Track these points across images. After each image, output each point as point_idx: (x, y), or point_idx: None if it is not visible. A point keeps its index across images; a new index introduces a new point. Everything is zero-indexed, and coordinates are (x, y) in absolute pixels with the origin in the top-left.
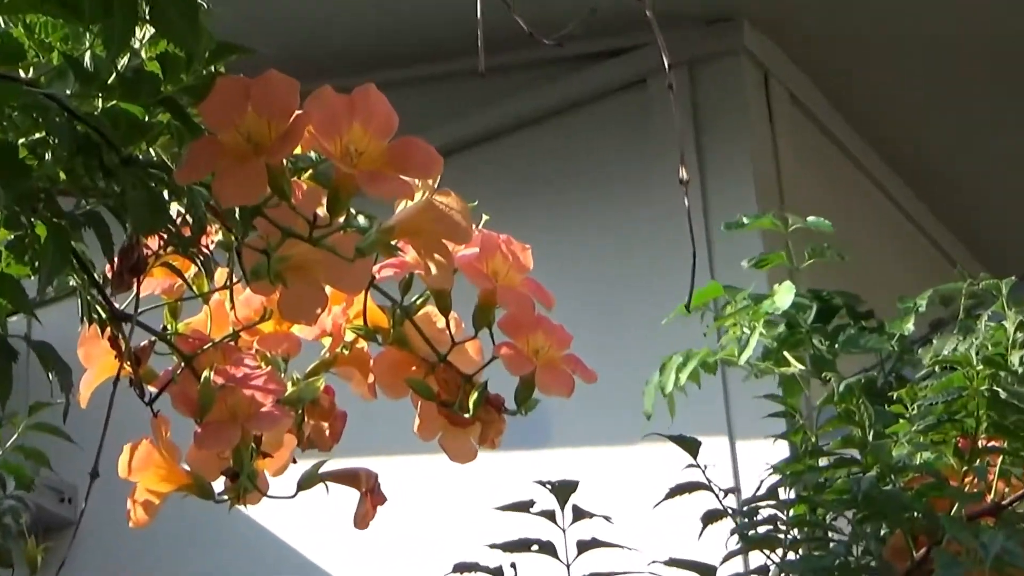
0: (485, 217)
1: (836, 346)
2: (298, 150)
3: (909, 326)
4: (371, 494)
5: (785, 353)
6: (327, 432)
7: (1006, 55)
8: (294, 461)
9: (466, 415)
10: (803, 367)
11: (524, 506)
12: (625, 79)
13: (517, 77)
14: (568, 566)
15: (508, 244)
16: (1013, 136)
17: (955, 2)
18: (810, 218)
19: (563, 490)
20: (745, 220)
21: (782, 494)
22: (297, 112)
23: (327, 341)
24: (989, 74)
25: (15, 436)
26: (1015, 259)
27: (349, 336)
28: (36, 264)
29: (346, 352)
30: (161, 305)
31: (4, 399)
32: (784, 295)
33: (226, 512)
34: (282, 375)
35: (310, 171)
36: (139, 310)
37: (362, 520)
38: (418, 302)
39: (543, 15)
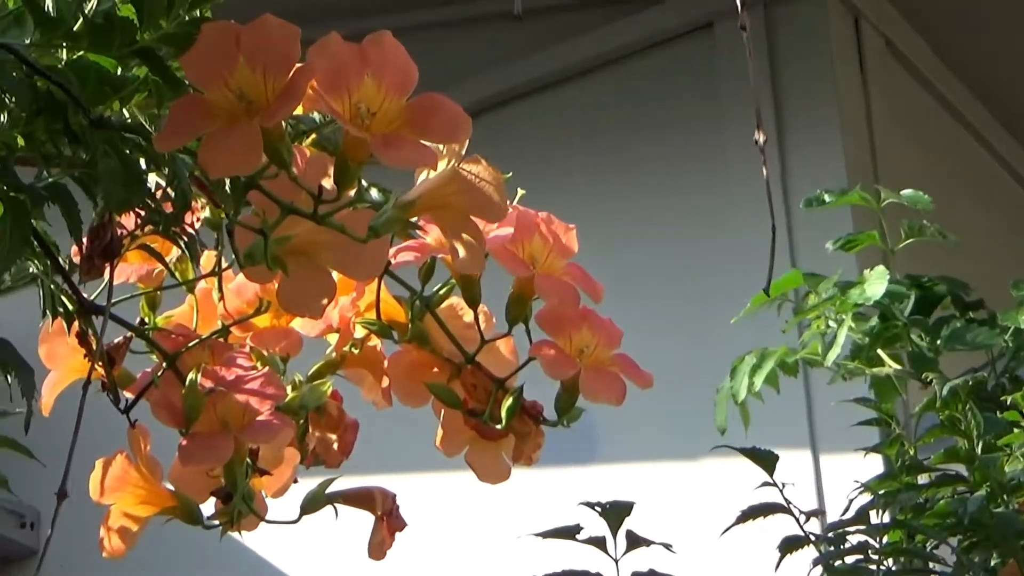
0: (521, 191)
1: (939, 342)
2: (300, 110)
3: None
4: (388, 518)
5: (879, 351)
6: (335, 445)
7: None
8: (295, 481)
9: (498, 426)
10: (900, 367)
11: (570, 532)
12: (688, 22)
13: (563, 20)
14: None
15: (548, 223)
16: None
17: None
18: (906, 191)
19: (615, 513)
20: (827, 197)
21: (874, 518)
22: (298, 65)
23: (333, 338)
24: None
25: None
26: None
27: (360, 332)
28: None
29: (356, 351)
30: (138, 295)
31: None
32: (876, 283)
33: (216, 539)
34: (282, 377)
35: (314, 135)
36: (112, 301)
37: (378, 549)
38: (441, 292)
39: None
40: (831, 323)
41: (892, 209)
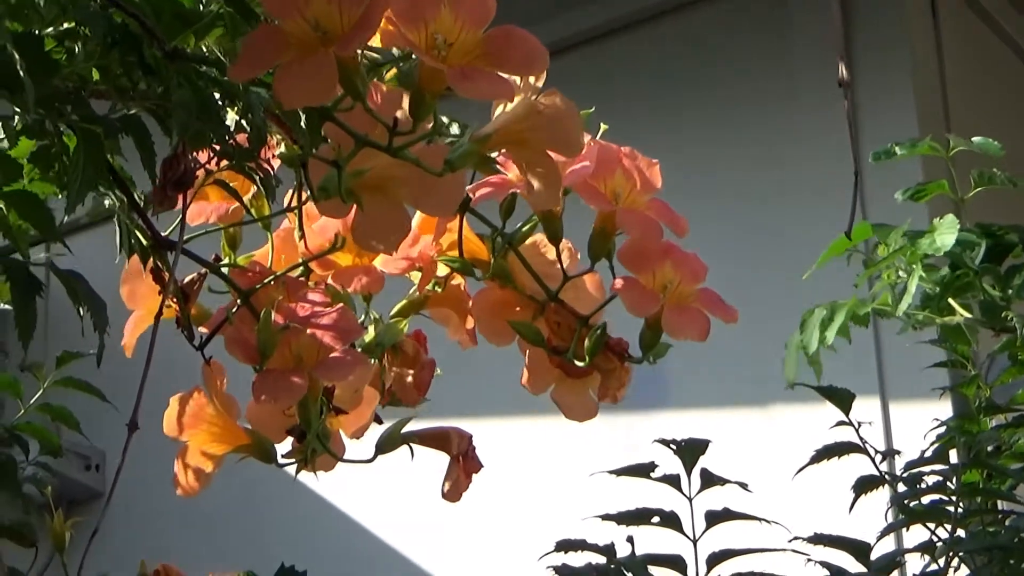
0: (604, 126)
1: (1010, 290)
2: (376, 42)
3: None
4: (464, 459)
5: (949, 300)
6: (411, 383)
7: None
8: (379, 422)
9: (582, 364)
10: (970, 315)
11: (644, 470)
12: None
13: None
14: (695, 541)
15: (632, 158)
16: None
17: None
18: (976, 138)
19: (690, 451)
20: (898, 150)
21: (951, 458)
22: None
23: (416, 276)
24: None
25: (39, 393)
26: None
27: (442, 270)
28: (64, 180)
29: (439, 290)
30: (213, 231)
31: (27, 338)
32: (947, 232)
33: (288, 481)
34: (362, 317)
35: (390, 69)
36: (186, 236)
37: (453, 491)
38: (524, 229)
39: None
40: (901, 273)
41: (962, 158)
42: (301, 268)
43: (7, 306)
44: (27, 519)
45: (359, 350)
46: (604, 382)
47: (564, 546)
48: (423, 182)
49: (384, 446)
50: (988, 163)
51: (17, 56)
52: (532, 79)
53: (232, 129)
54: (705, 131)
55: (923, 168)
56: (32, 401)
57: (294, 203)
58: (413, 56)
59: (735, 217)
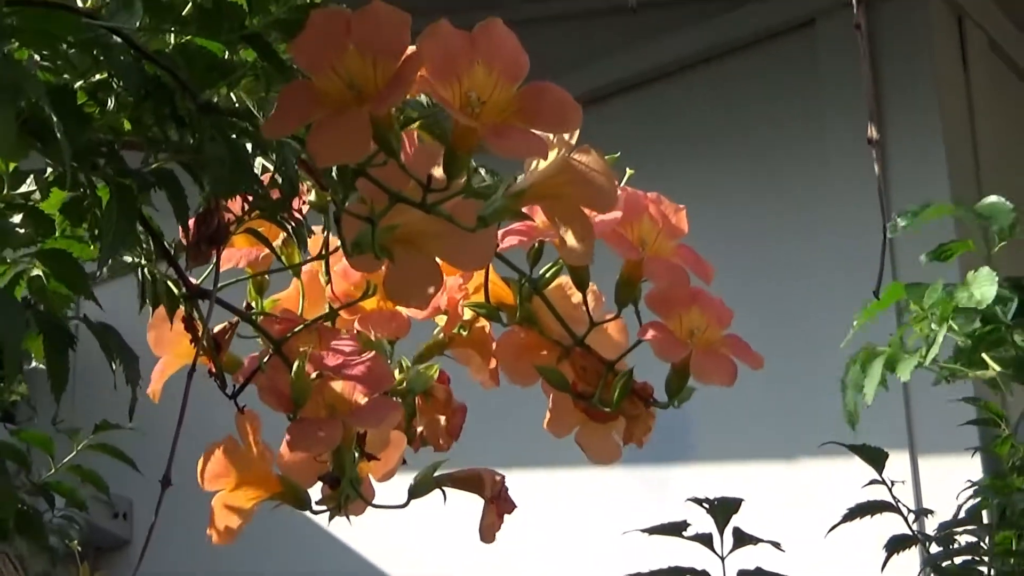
0: (630, 171)
1: None
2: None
3: None
4: (497, 501)
5: (982, 354)
6: (444, 428)
7: None
8: (403, 462)
9: (608, 408)
10: (1003, 369)
11: (676, 528)
12: (789, 20)
13: (666, 15)
14: None
15: (658, 204)
16: None
17: None
18: (988, 199)
19: (723, 510)
20: (901, 222)
21: (984, 518)
22: (408, 51)
23: (441, 320)
24: None
25: (72, 454)
26: None
27: (467, 314)
28: (96, 232)
29: (464, 332)
30: (244, 279)
31: (60, 392)
32: (985, 284)
33: (321, 525)
34: (388, 361)
35: (421, 123)
36: (218, 285)
37: (488, 531)
38: (549, 273)
39: None
40: (934, 326)
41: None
42: (329, 317)
43: (37, 364)
44: (52, 571)
45: (393, 399)
46: (629, 427)
47: None
48: (456, 237)
49: (417, 490)
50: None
51: (50, 109)
52: (566, 134)
53: (265, 181)
54: (735, 181)
55: (955, 222)
56: (65, 461)
57: (321, 249)
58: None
59: (764, 268)
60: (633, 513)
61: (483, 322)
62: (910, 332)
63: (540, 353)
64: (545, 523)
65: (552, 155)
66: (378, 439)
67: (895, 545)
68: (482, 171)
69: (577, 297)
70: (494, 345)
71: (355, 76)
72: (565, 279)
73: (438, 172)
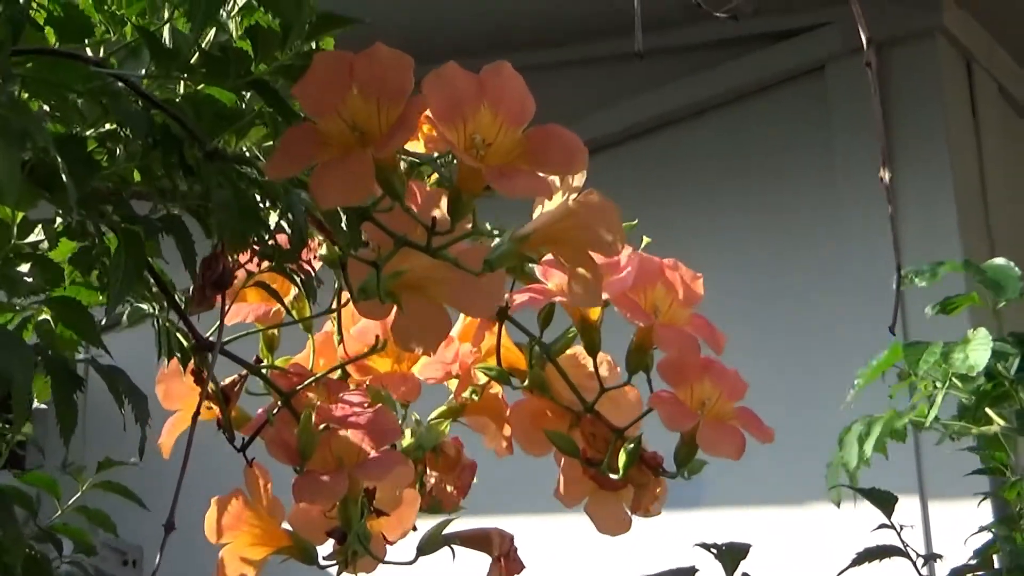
0: (646, 240)
1: None
2: (419, 147)
3: None
4: (506, 560)
5: (986, 410)
6: (453, 486)
7: None
8: (414, 528)
9: (616, 477)
10: (1007, 424)
11: (686, 575)
12: (799, 65)
13: (674, 62)
14: None
15: (675, 270)
16: None
17: None
18: (995, 261)
19: (732, 555)
20: (917, 281)
21: (994, 563)
22: (412, 95)
23: (454, 384)
24: None
25: (77, 495)
26: None
27: (480, 379)
28: (105, 281)
29: (476, 397)
30: (255, 332)
31: (68, 434)
32: (980, 348)
33: None
34: (400, 422)
35: (431, 172)
36: (225, 338)
37: None
38: (562, 342)
39: None
40: (936, 384)
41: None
42: (340, 372)
43: (43, 405)
44: None
45: (401, 453)
46: (637, 495)
47: None
48: (463, 282)
49: (426, 547)
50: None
51: (59, 158)
52: (572, 177)
53: (273, 229)
54: (747, 226)
55: (964, 285)
56: (71, 502)
57: (334, 305)
58: (451, 156)
59: (775, 311)
60: (645, 557)
61: (496, 388)
62: (915, 389)
63: (551, 419)
64: (556, 569)
65: (557, 199)
66: (389, 496)
67: None
68: (488, 225)
69: (589, 364)
70: (507, 412)
71: (358, 118)
72: (578, 348)
73: (442, 215)
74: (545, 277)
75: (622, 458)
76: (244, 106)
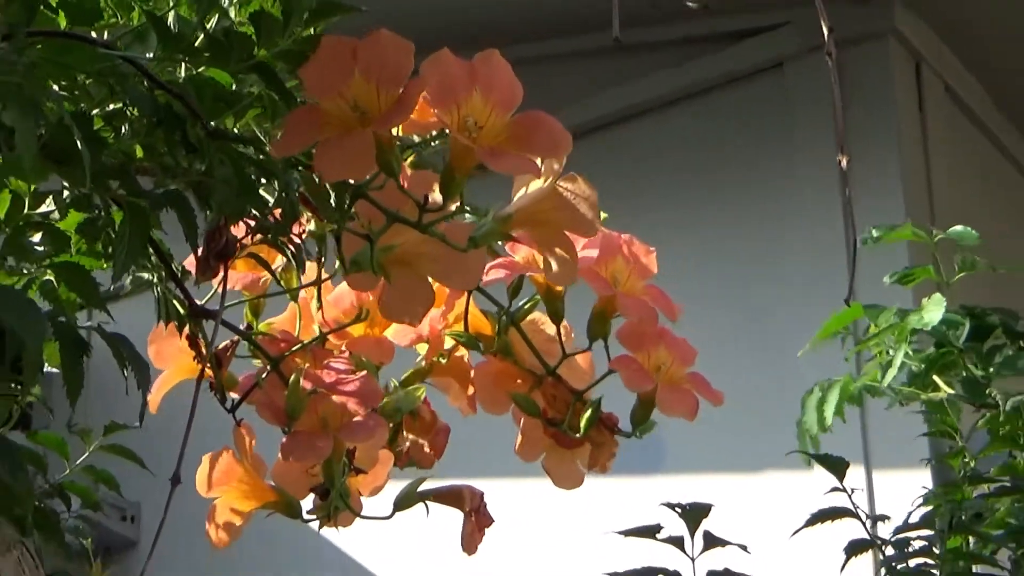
0: (604, 215)
1: (991, 368)
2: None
3: None
4: (476, 515)
5: (934, 377)
6: (428, 447)
7: None
8: (388, 479)
9: (575, 435)
10: (954, 391)
11: (650, 531)
12: (760, 62)
13: (644, 58)
14: None
15: (630, 245)
16: None
17: None
18: (955, 228)
19: (694, 514)
20: (875, 233)
21: (936, 524)
22: (411, 78)
23: (423, 348)
24: None
25: (84, 455)
26: None
27: (448, 343)
28: (110, 251)
29: (444, 361)
30: (242, 302)
31: (75, 397)
32: (934, 309)
33: (312, 534)
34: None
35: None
36: (222, 305)
37: (469, 543)
38: (526, 307)
39: None
40: (890, 351)
41: (945, 245)
42: (321, 339)
43: (53, 369)
44: (67, 567)
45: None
46: (594, 453)
47: None
48: (448, 258)
49: (402, 503)
50: (971, 249)
51: (73, 125)
52: (553, 162)
53: (271, 205)
54: (713, 209)
55: (909, 255)
56: (78, 462)
57: (317, 276)
58: (441, 140)
59: (735, 289)
60: (610, 520)
61: (462, 351)
62: (867, 356)
63: (514, 382)
64: (526, 530)
65: (539, 181)
66: (367, 455)
67: (853, 548)
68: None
69: (551, 330)
70: (472, 374)
71: (360, 99)
72: (539, 314)
73: (433, 196)
74: (512, 251)
75: (583, 418)
76: (245, 89)
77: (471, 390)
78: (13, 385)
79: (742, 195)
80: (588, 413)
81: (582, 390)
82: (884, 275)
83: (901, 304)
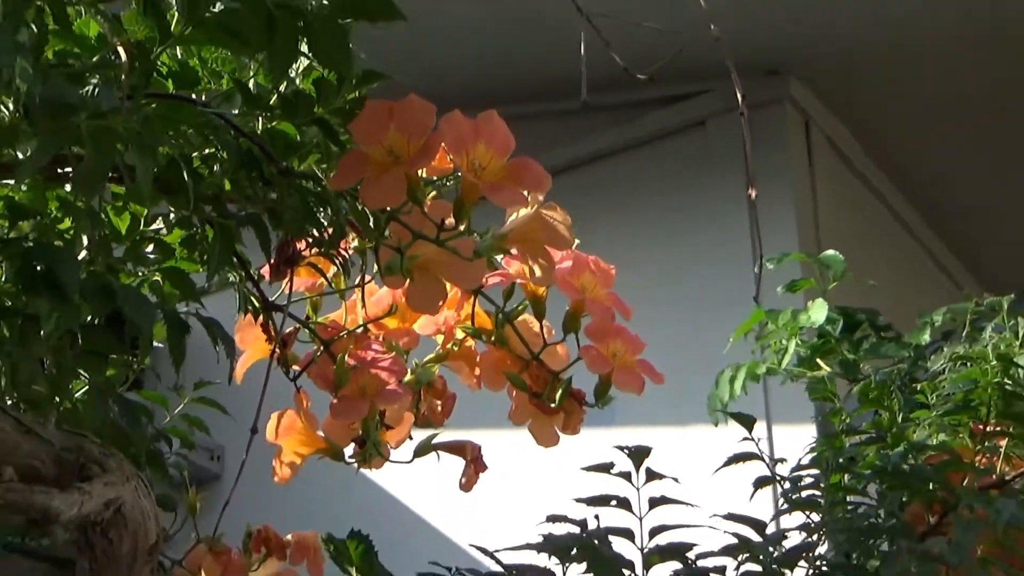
0: (576, 240)
1: (860, 353)
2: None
3: (925, 337)
4: (475, 463)
5: (818, 360)
6: (439, 410)
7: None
8: (410, 437)
9: (552, 405)
10: (832, 370)
11: (605, 467)
12: (687, 121)
13: (605, 116)
14: (641, 519)
15: (596, 263)
16: (1012, 191)
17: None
18: (827, 252)
19: (638, 454)
20: (769, 265)
21: (822, 465)
22: (432, 131)
23: (440, 338)
24: (1004, 137)
25: (181, 406)
26: (1008, 283)
27: (459, 335)
28: (204, 258)
29: (456, 348)
30: (303, 299)
31: (179, 364)
32: (819, 310)
33: (352, 473)
34: (404, 362)
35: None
36: (289, 301)
37: (467, 484)
38: (517, 309)
39: (624, 60)
40: (784, 341)
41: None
42: (363, 328)
43: (159, 344)
44: (170, 493)
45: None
46: (567, 419)
47: (552, 519)
48: (458, 265)
49: (419, 452)
50: (841, 266)
51: (185, 166)
52: (537, 195)
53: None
54: (649, 241)
55: (801, 271)
56: (176, 411)
57: (358, 281)
58: (454, 178)
59: (671, 298)
60: (576, 461)
61: (470, 342)
62: (767, 345)
63: (508, 365)
64: (512, 474)
65: (526, 210)
66: (394, 415)
67: (759, 483)
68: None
69: (536, 326)
70: (477, 359)
71: (395, 147)
72: (528, 315)
73: (449, 220)
74: (507, 264)
75: (558, 392)
76: (306, 138)
77: (477, 371)
78: (130, 358)
79: (676, 222)
80: (562, 389)
81: (558, 371)
82: (782, 281)
83: (793, 304)
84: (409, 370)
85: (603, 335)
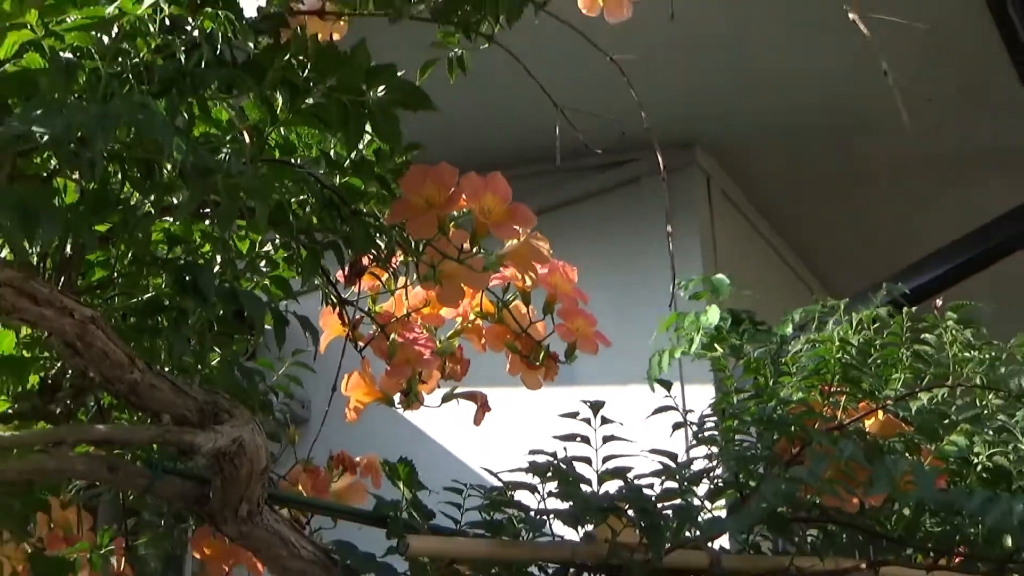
0: (550, 252)
1: (743, 340)
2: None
3: (788, 329)
4: (483, 407)
5: (715, 344)
6: (459, 369)
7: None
8: (438, 386)
9: (536, 363)
10: (724, 351)
11: (572, 415)
12: (627, 179)
13: (569, 174)
14: (596, 451)
15: (564, 268)
16: (850, 229)
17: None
18: (717, 276)
19: (595, 406)
20: (681, 285)
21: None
22: (455, 186)
23: (459, 320)
24: (845, 191)
25: (283, 369)
26: (845, 289)
27: (472, 317)
28: (299, 270)
29: (469, 326)
30: (367, 296)
31: (281, 342)
32: (714, 313)
33: (399, 416)
34: (434, 338)
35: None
36: (358, 298)
37: (477, 421)
38: (511, 298)
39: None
40: (692, 334)
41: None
42: (407, 315)
43: (268, 327)
44: (276, 431)
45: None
46: (547, 372)
47: (533, 451)
48: (472, 275)
49: (445, 399)
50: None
51: (289, 211)
52: (527, 228)
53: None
54: (594, 276)
55: (703, 287)
56: (280, 373)
57: (405, 283)
58: (470, 217)
59: (615, 305)
60: (549, 412)
61: (479, 321)
62: (681, 336)
63: (506, 336)
64: (506, 417)
65: (517, 240)
66: (428, 374)
67: (676, 426)
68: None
69: (524, 310)
70: (484, 332)
71: (430, 196)
72: (519, 302)
73: (466, 245)
74: (504, 270)
75: (540, 354)
76: (368, 189)
77: (483, 341)
78: (248, 338)
79: (618, 257)
80: (543, 351)
81: (540, 340)
82: (686, 296)
83: (699, 307)
84: (437, 342)
85: (569, 315)
